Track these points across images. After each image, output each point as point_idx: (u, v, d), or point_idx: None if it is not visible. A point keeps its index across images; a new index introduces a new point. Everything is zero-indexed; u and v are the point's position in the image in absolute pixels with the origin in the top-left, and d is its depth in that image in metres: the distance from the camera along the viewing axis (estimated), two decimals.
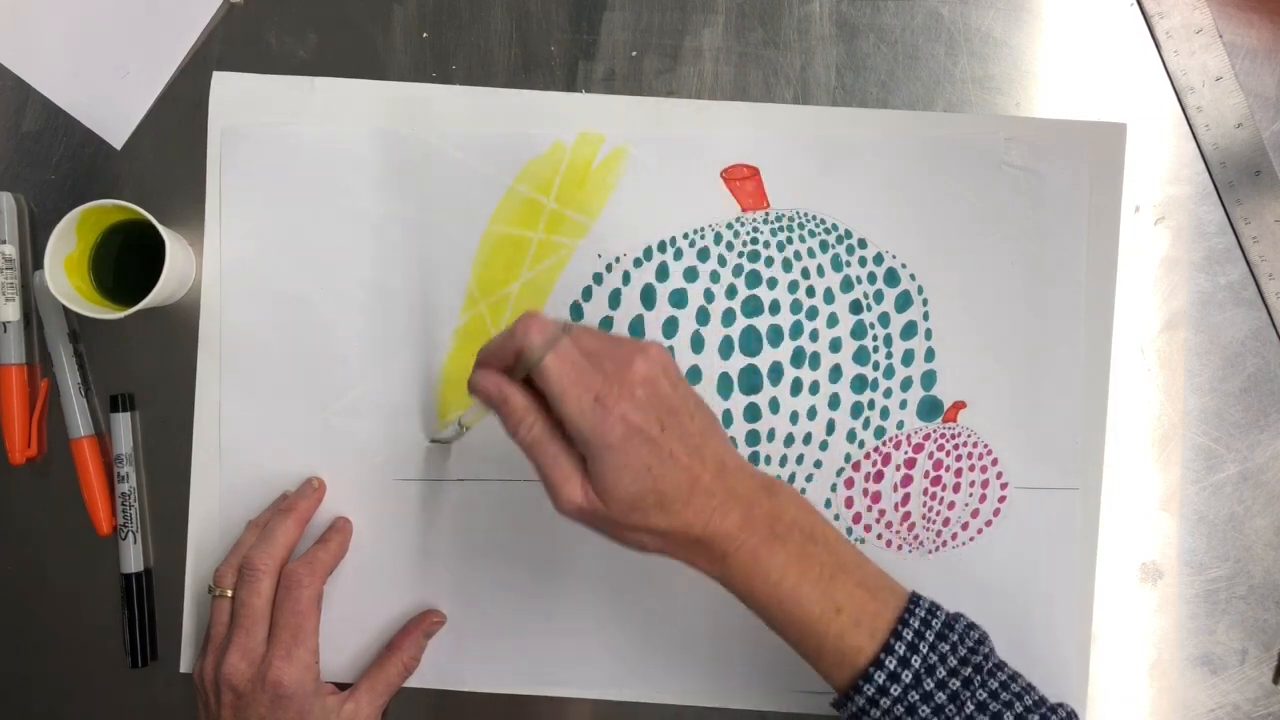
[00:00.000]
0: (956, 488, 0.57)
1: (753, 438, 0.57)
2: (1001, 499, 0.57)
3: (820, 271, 0.57)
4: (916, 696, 0.43)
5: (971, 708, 0.43)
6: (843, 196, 0.57)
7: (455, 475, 0.57)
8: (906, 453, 0.57)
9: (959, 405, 0.57)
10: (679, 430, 0.42)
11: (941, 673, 0.44)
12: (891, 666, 0.43)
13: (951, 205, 0.57)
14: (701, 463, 0.43)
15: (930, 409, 0.57)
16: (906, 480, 0.57)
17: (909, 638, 0.44)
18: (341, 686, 0.54)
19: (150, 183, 0.57)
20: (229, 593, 0.53)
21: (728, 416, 0.57)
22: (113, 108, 0.57)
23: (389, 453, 0.57)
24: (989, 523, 0.57)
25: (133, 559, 0.57)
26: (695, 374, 0.57)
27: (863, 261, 0.57)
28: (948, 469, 0.57)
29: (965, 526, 0.57)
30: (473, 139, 0.56)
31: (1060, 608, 0.57)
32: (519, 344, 0.42)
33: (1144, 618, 0.58)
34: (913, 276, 0.57)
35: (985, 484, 0.57)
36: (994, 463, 0.57)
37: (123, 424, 0.57)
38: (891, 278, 0.57)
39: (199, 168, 0.57)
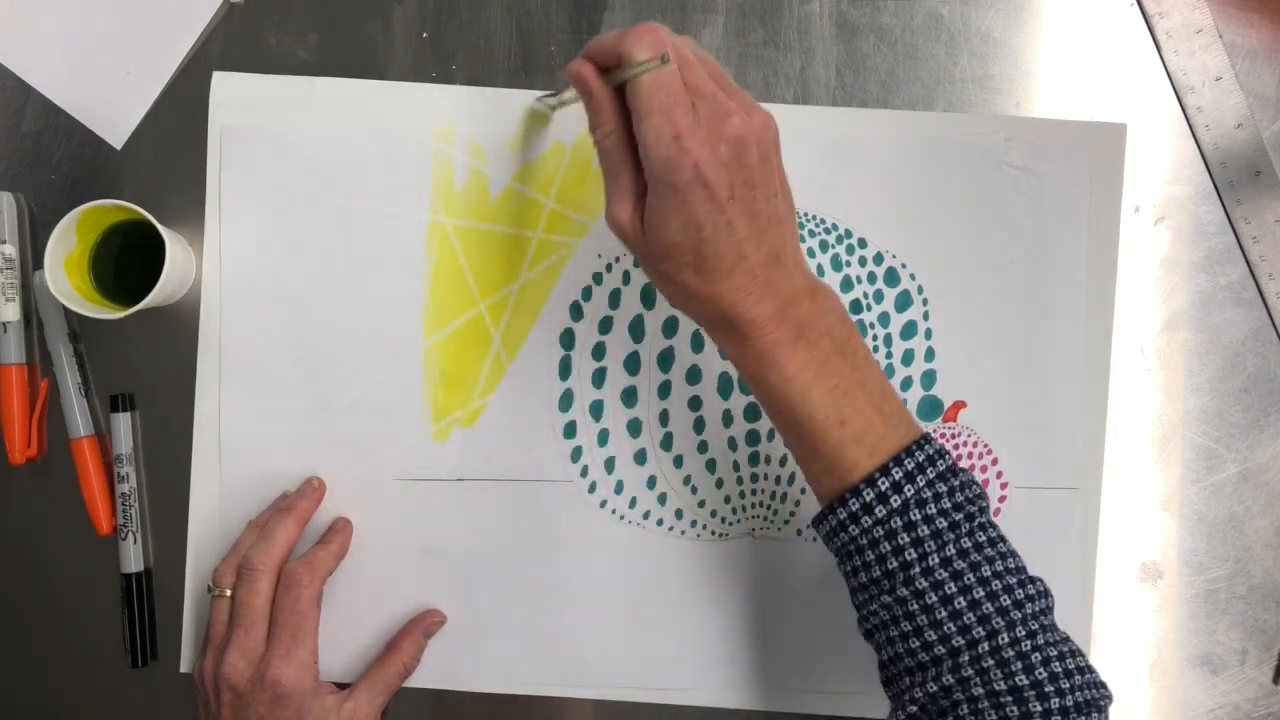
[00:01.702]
0: None
1: (753, 438, 0.57)
2: (1001, 499, 0.57)
3: (820, 271, 0.57)
4: (899, 523, 0.42)
5: (952, 550, 0.42)
6: (843, 196, 0.57)
7: (455, 475, 0.57)
8: None
9: (959, 405, 0.57)
10: (748, 204, 0.41)
11: (932, 509, 0.43)
12: (883, 487, 0.42)
13: (951, 205, 0.57)
14: (757, 245, 0.42)
15: (930, 409, 0.57)
16: None
17: (909, 467, 0.43)
18: (341, 686, 0.54)
19: (150, 183, 0.57)
20: (228, 592, 0.53)
21: (728, 416, 0.57)
22: (113, 108, 0.57)
23: (389, 453, 0.57)
24: None
25: (133, 559, 0.57)
26: (696, 374, 0.57)
27: (863, 261, 0.57)
28: None
29: None
30: (473, 139, 0.56)
31: (1060, 608, 0.56)
32: (625, 50, 0.40)
33: (1144, 618, 0.57)
34: (913, 276, 0.57)
35: (985, 484, 0.57)
36: (994, 463, 0.57)
37: (123, 424, 0.57)
38: (891, 278, 0.57)
39: (199, 168, 0.57)
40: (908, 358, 0.57)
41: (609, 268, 0.57)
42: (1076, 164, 0.57)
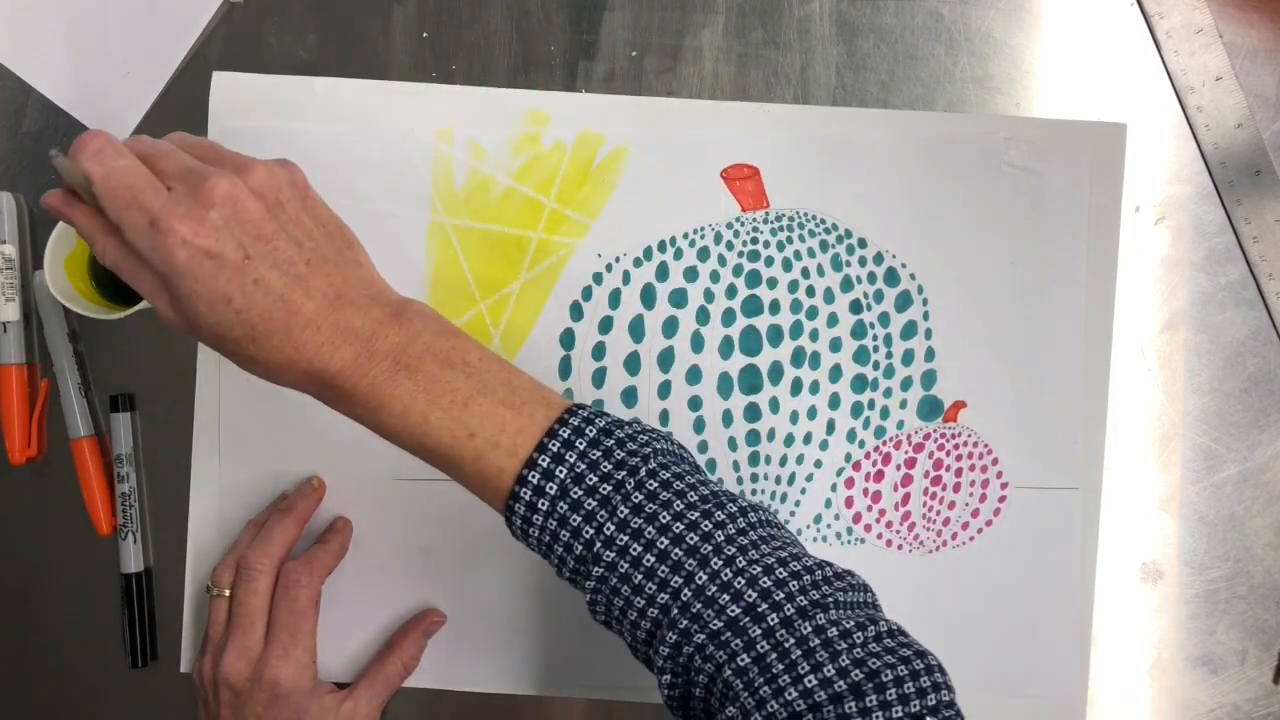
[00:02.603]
0: (957, 488, 0.57)
1: (753, 438, 0.57)
2: (1001, 499, 0.57)
3: (820, 271, 0.57)
4: (565, 507, 0.40)
5: (625, 511, 0.39)
6: (843, 196, 0.57)
7: None
8: (907, 452, 0.57)
9: (959, 405, 0.57)
10: (272, 257, 0.39)
11: (592, 479, 0.40)
12: (534, 480, 0.40)
13: (951, 205, 0.57)
14: (305, 293, 0.40)
15: (930, 409, 0.57)
16: (907, 480, 0.57)
17: (554, 449, 0.40)
18: (341, 686, 0.54)
19: None
20: (226, 592, 0.53)
21: (728, 416, 0.57)
22: (113, 108, 0.57)
23: (389, 453, 0.56)
24: (989, 523, 0.57)
25: (133, 559, 0.57)
26: (695, 374, 0.57)
27: (863, 261, 0.57)
28: (948, 469, 0.57)
29: (965, 526, 0.57)
30: (472, 139, 0.56)
31: (1060, 608, 0.57)
32: (75, 167, 0.39)
33: (1144, 618, 0.57)
34: (913, 276, 0.57)
35: (985, 484, 0.57)
36: (994, 463, 0.57)
37: (123, 424, 0.57)
38: (891, 277, 0.57)
39: None
40: (908, 358, 0.57)
41: (609, 268, 0.57)
42: (1076, 164, 0.57)
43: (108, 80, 0.57)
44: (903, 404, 0.57)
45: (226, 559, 0.54)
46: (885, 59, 0.57)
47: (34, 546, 0.58)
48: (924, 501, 0.57)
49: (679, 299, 0.57)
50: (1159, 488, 0.58)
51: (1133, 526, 0.57)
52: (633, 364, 0.57)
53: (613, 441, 0.41)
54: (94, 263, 0.55)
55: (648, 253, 0.57)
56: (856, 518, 0.57)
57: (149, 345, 0.57)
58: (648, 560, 0.39)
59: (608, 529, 0.40)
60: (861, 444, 0.57)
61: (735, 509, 0.40)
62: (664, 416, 0.57)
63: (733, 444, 0.57)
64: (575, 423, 0.41)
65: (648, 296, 0.57)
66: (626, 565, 0.39)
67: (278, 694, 0.50)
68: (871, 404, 0.57)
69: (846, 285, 0.57)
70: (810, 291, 0.57)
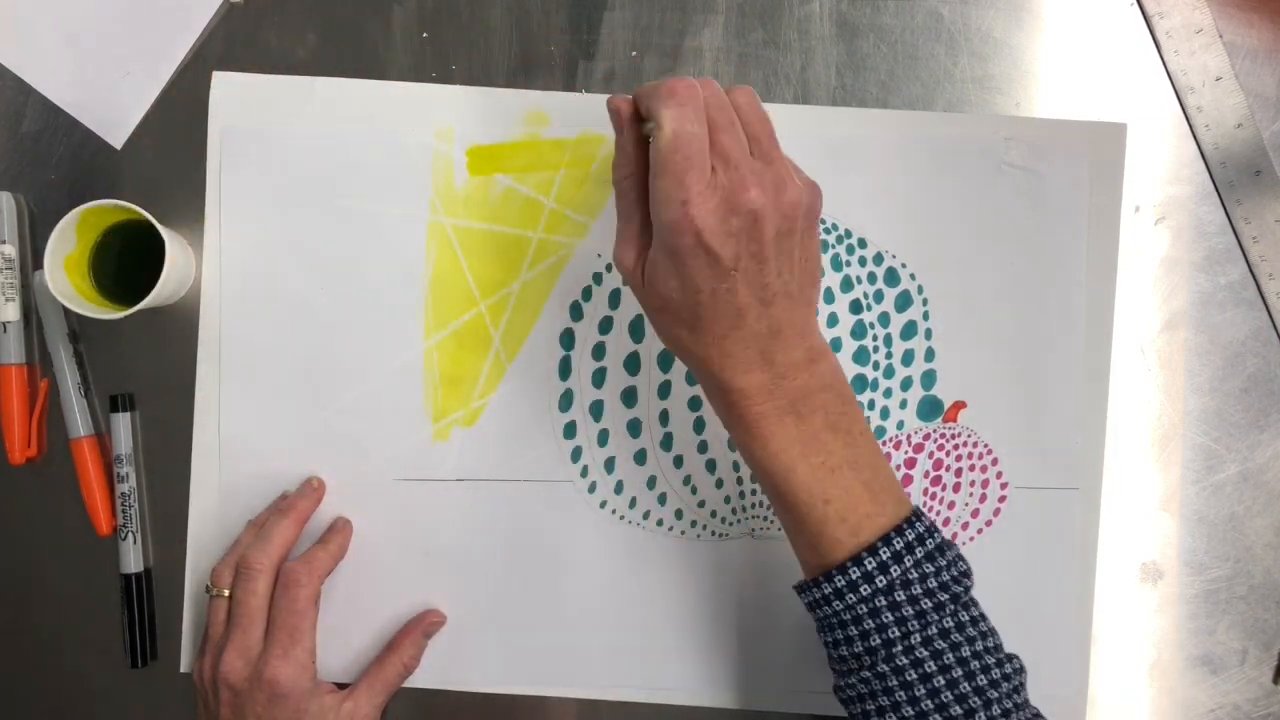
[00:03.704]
0: (956, 488, 0.57)
1: None
2: (1001, 499, 0.57)
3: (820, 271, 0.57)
4: (884, 602, 0.42)
5: (934, 630, 0.42)
6: (842, 196, 0.56)
7: (455, 475, 0.57)
8: (907, 452, 0.57)
9: (959, 405, 0.57)
10: (754, 276, 0.40)
11: (917, 589, 0.42)
12: (869, 567, 0.42)
13: (951, 205, 0.57)
14: (757, 316, 0.41)
15: (930, 409, 0.57)
16: (906, 480, 0.57)
17: (897, 547, 0.42)
18: (341, 686, 0.54)
19: (150, 183, 0.57)
20: (226, 592, 0.53)
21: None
22: (113, 108, 0.57)
23: (389, 453, 0.57)
24: (989, 523, 0.57)
25: (133, 559, 0.57)
26: None
27: (863, 261, 0.57)
28: (948, 469, 0.57)
29: (965, 526, 0.57)
30: (472, 139, 0.56)
31: (1060, 608, 0.57)
32: (652, 105, 0.40)
33: (1144, 618, 0.57)
34: (913, 276, 0.57)
35: (985, 484, 0.57)
36: (994, 463, 0.57)
37: (123, 424, 0.57)
38: (891, 278, 0.57)
39: (199, 168, 0.57)
40: (908, 358, 0.57)
41: (609, 268, 0.57)
42: (1076, 164, 0.56)
43: (108, 80, 0.57)
44: (903, 404, 0.57)
45: (226, 559, 0.54)
46: (885, 59, 0.57)
47: (34, 546, 0.58)
48: (924, 501, 0.57)
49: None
50: (1159, 488, 0.58)
51: (1133, 526, 0.57)
52: (633, 364, 0.57)
53: (944, 561, 0.43)
54: (94, 263, 0.55)
55: None
56: None
57: (149, 345, 0.57)
58: (938, 681, 0.42)
59: (913, 639, 0.42)
60: None
61: (1017, 666, 0.44)
62: (664, 416, 0.57)
63: (733, 444, 0.57)
64: (920, 529, 0.43)
65: None
66: (914, 676, 0.42)
67: (277, 694, 0.50)
68: (871, 404, 0.57)
69: (846, 285, 0.57)
70: None
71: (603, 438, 0.57)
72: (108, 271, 0.56)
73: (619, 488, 0.57)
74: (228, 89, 0.57)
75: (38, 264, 0.57)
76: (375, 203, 0.57)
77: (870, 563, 0.42)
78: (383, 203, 0.57)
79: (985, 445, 0.57)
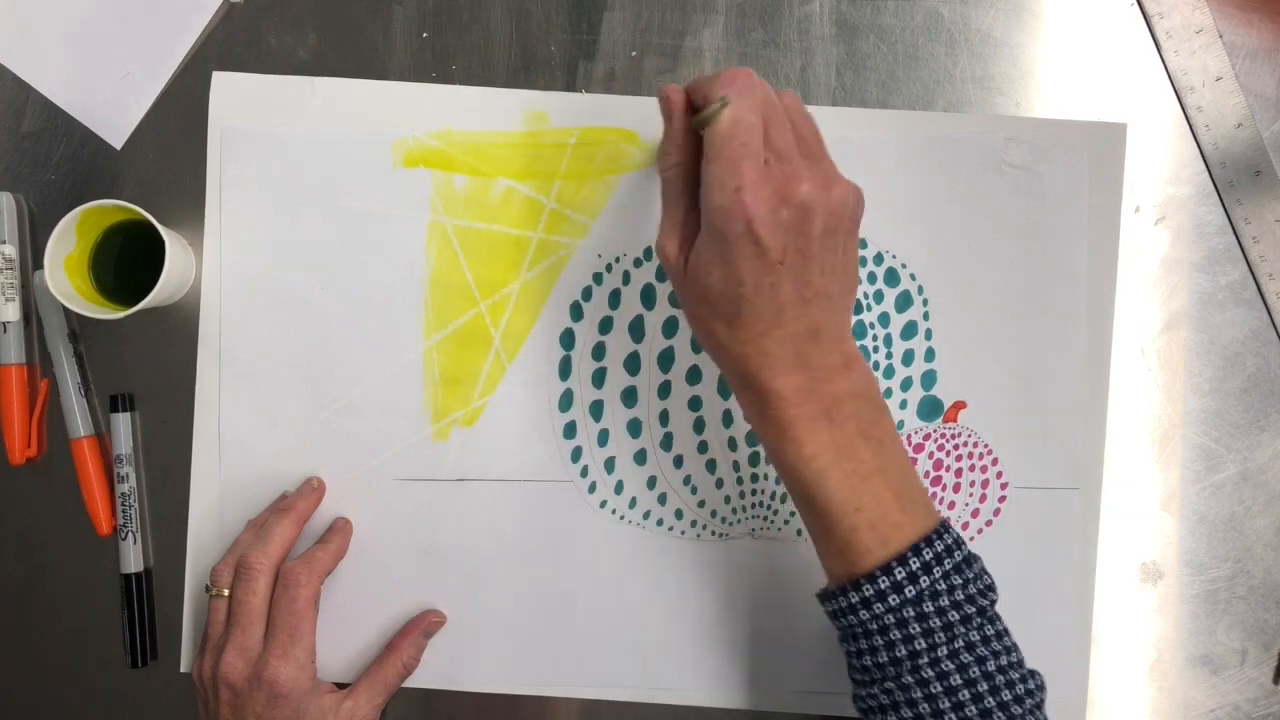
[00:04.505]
0: (956, 488, 0.57)
1: (753, 438, 0.57)
2: (1001, 499, 0.57)
3: None
4: (912, 613, 0.42)
5: (960, 644, 0.42)
6: None
7: (455, 475, 0.57)
8: (907, 452, 0.57)
9: (959, 405, 0.57)
10: (799, 271, 0.40)
11: (945, 601, 0.42)
12: (899, 577, 0.42)
13: (951, 205, 0.57)
14: (797, 315, 0.41)
15: (930, 409, 0.57)
16: None
17: (927, 557, 0.42)
18: (341, 686, 0.54)
19: (150, 183, 0.57)
20: (225, 592, 0.53)
21: (728, 416, 0.57)
22: (113, 108, 0.57)
23: (389, 453, 0.57)
24: (989, 523, 0.57)
25: (133, 559, 0.57)
26: (696, 374, 0.57)
27: (863, 261, 0.57)
28: (948, 469, 0.57)
29: (965, 526, 0.57)
30: (472, 139, 0.56)
31: (1060, 608, 0.57)
32: (710, 90, 0.40)
33: (1144, 618, 0.57)
34: (913, 276, 0.57)
35: (985, 484, 0.57)
36: (994, 463, 0.57)
37: (123, 424, 0.57)
38: (891, 278, 0.57)
39: (199, 168, 0.57)
40: (908, 358, 0.57)
41: (609, 268, 0.57)
42: (1076, 164, 0.56)
43: (108, 80, 0.57)
44: (903, 404, 0.57)
45: (226, 559, 0.54)
46: (885, 59, 0.57)
47: (34, 546, 0.58)
48: None
49: (679, 299, 0.57)
50: (1159, 488, 0.58)
51: (1133, 526, 0.57)
52: (633, 364, 0.57)
53: (971, 574, 0.43)
54: (94, 263, 0.55)
55: (648, 253, 0.57)
56: None
57: (149, 345, 0.57)
58: (963, 695, 0.42)
59: (939, 651, 0.42)
60: None
61: (1039, 683, 0.44)
62: (664, 416, 0.57)
63: (733, 444, 0.57)
64: (948, 540, 0.43)
65: (648, 296, 0.57)
66: (939, 689, 0.42)
67: (277, 693, 0.50)
68: None
69: None
70: None
71: (603, 438, 0.57)
72: (108, 271, 0.56)
73: (619, 488, 0.57)
74: (228, 89, 0.57)
75: (38, 264, 0.57)
76: (375, 203, 0.57)
77: (900, 572, 0.42)
78: (383, 203, 0.57)
79: (985, 445, 0.57)
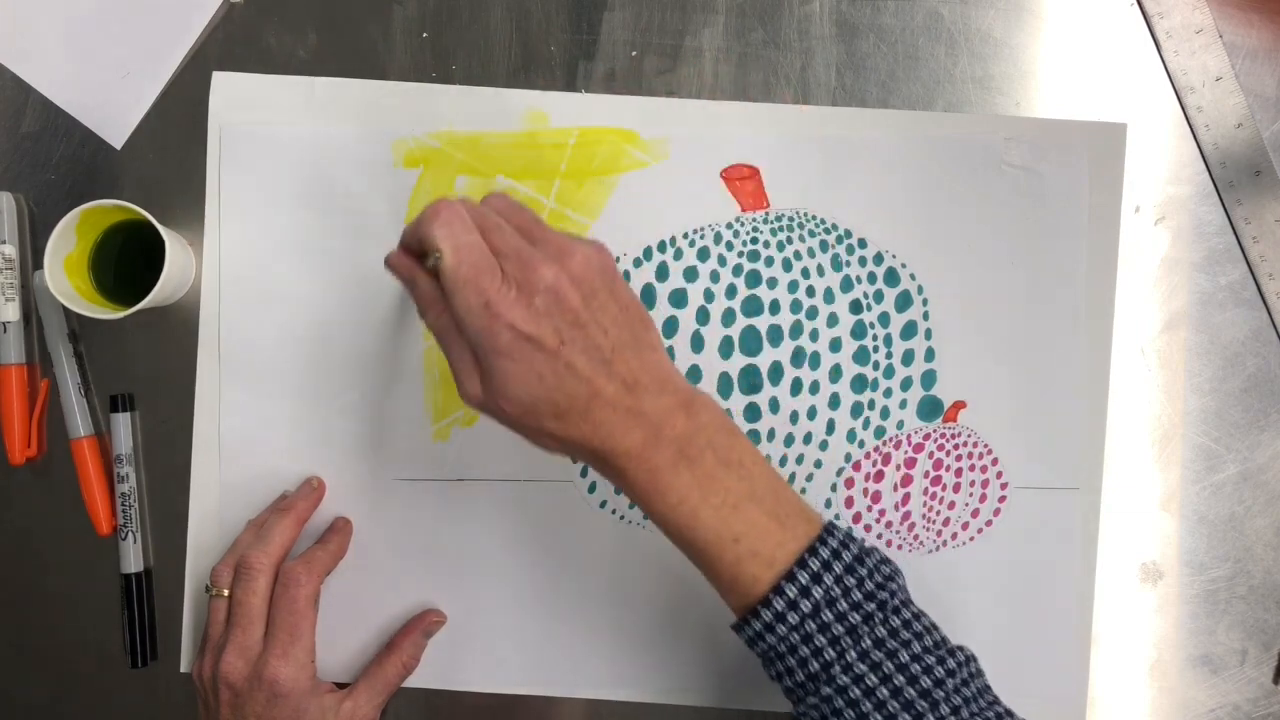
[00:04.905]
0: (956, 488, 0.57)
1: (753, 437, 0.57)
2: (1001, 499, 0.57)
3: (820, 271, 0.57)
4: (814, 626, 0.42)
5: (868, 643, 0.42)
6: (843, 196, 0.57)
7: (455, 475, 0.57)
8: (906, 453, 0.57)
9: (959, 405, 0.57)
10: (583, 343, 0.41)
11: (843, 605, 0.42)
12: (791, 595, 0.42)
13: (951, 205, 0.57)
14: (607, 377, 0.41)
15: (930, 409, 0.57)
16: (906, 480, 0.57)
17: (814, 568, 0.42)
18: (341, 686, 0.54)
19: (150, 183, 0.57)
20: (225, 592, 0.53)
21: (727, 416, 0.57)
22: (113, 108, 0.57)
23: (389, 453, 0.57)
24: (989, 523, 0.57)
25: (133, 559, 0.57)
26: (695, 373, 0.57)
27: (863, 261, 0.57)
28: (948, 469, 0.57)
29: (965, 526, 0.57)
30: (472, 139, 0.56)
31: (1060, 608, 0.57)
32: (422, 236, 0.41)
33: (1144, 618, 0.57)
34: (913, 276, 0.57)
35: (985, 484, 0.57)
36: (994, 463, 0.57)
37: (123, 424, 0.57)
38: (891, 278, 0.57)
39: (199, 168, 0.57)
40: (908, 358, 0.57)
41: None
42: (1076, 164, 0.56)
43: (108, 80, 0.57)
44: (903, 404, 0.57)
45: (226, 559, 0.54)
46: (885, 59, 0.57)
47: (34, 546, 0.58)
48: (924, 501, 0.57)
49: (679, 299, 0.57)
50: (1159, 488, 0.58)
51: (1133, 526, 0.57)
52: None
53: (865, 571, 0.43)
54: (94, 263, 0.55)
55: (647, 253, 0.57)
56: (856, 518, 0.57)
57: (149, 345, 0.57)
58: (881, 693, 0.42)
59: (849, 655, 0.42)
60: (861, 444, 0.57)
61: (962, 658, 0.44)
62: None
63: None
64: (833, 545, 0.43)
65: (647, 297, 0.57)
66: (858, 693, 0.42)
67: (277, 693, 0.50)
68: (871, 404, 0.57)
69: (846, 285, 0.57)
70: (810, 292, 0.57)
71: None
72: (108, 271, 0.56)
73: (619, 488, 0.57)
74: (228, 89, 0.57)
75: (38, 264, 0.57)
76: (375, 203, 0.57)
77: (791, 590, 0.42)
78: (383, 203, 0.57)
79: (985, 445, 0.57)
